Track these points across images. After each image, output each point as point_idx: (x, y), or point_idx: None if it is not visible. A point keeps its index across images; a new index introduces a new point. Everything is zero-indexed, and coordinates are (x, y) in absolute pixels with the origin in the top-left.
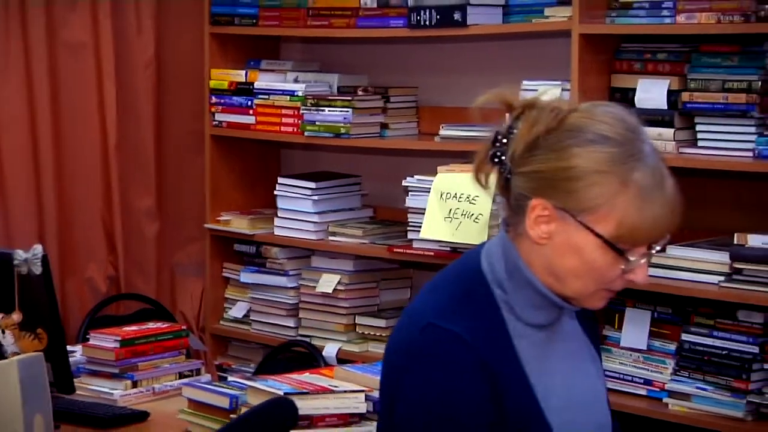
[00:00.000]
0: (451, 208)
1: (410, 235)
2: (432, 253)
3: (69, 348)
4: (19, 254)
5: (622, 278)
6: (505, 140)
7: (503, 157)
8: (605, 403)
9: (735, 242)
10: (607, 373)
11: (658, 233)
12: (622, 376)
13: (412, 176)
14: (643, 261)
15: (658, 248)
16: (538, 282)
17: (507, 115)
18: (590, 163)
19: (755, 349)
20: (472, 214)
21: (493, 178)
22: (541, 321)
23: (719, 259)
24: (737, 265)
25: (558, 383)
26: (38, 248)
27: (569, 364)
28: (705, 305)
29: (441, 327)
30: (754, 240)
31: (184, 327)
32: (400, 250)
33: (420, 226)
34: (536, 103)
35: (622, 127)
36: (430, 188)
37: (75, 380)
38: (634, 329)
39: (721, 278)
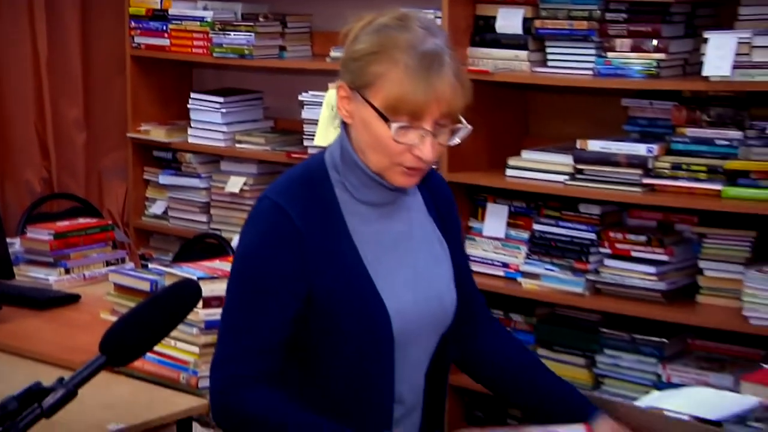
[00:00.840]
0: (340, 119)
1: (305, 143)
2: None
3: (9, 240)
4: None
5: (408, 153)
6: None
7: None
8: (449, 282)
9: (577, 147)
10: (472, 258)
11: (418, 108)
12: (484, 260)
13: (307, 92)
14: (427, 139)
15: (428, 128)
16: (360, 160)
17: None
18: (366, 46)
19: (593, 236)
20: None
21: None
22: (374, 199)
23: (564, 161)
24: (579, 166)
25: (393, 260)
26: None
27: (409, 244)
28: (553, 200)
29: (269, 198)
30: (593, 145)
31: (110, 222)
32: (297, 155)
33: (314, 135)
34: (363, 16)
35: (403, 19)
36: (322, 102)
37: (14, 268)
38: (494, 221)
39: (566, 177)
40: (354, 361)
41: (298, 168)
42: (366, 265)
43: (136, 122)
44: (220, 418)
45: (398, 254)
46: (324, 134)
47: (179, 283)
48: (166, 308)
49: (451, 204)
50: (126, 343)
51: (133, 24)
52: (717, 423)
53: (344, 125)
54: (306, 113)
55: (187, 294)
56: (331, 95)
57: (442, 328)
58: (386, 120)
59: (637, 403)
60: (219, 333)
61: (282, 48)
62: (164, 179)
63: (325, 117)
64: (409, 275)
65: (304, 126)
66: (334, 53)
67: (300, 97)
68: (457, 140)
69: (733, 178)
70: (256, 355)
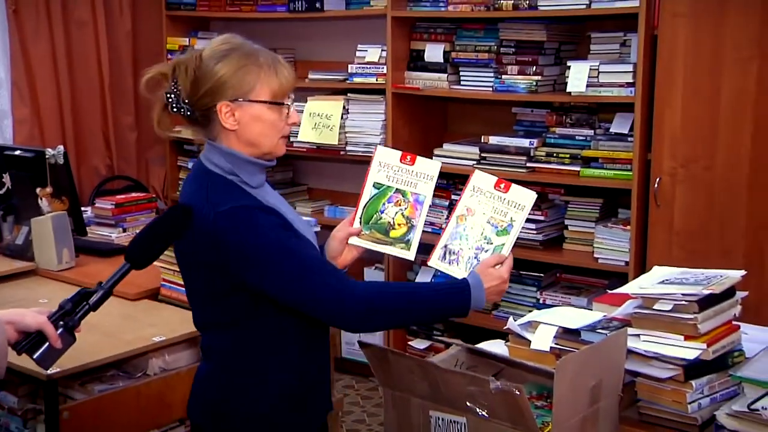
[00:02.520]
0: (316, 122)
1: (291, 139)
2: (305, 150)
3: (83, 208)
4: (49, 151)
5: (286, 124)
6: (172, 95)
7: (178, 104)
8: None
9: (482, 141)
10: None
11: (289, 87)
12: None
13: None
14: (292, 108)
15: (292, 98)
16: (245, 155)
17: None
18: (230, 67)
19: None
20: (328, 126)
21: (167, 122)
22: (261, 181)
23: (473, 151)
24: (483, 154)
25: (286, 213)
26: (60, 148)
27: (281, 202)
28: (464, 178)
29: (245, 207)
30: (493, 139)
31: (154, 195)
32: (287, 148)
33: (297, 134)
34: (177, 61)
35: (232, 40)
36: (303, 110)
37: (87, 228)
38: None
39: (474, 162)
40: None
41: (205, 187)
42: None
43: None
44: (375, 321)
45: (291, 213)
46: (305, 133)
47: (173, 207)
48: (165, 225)
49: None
50: (140, 252)
51: (169, 56)
52: (576, 331)
53: (210, 145)
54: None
55: (180, 213)
56: (310, 105)
57: None
58: (280, 104)
59: (522, 320)
60: (306, 287)
61: None
62: (191, 165)
63: (305, 121)
64: (301, 223)
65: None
66: (311, 76)
67: None
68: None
69: (587, 162)
70: (341, 272)
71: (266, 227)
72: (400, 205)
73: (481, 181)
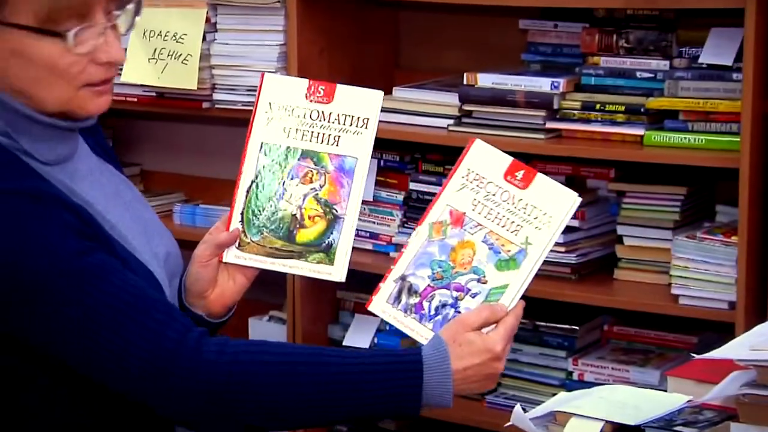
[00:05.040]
0: (156, 49)
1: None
2: (135, 99)
3: None
4: None
5: (93, 64)
6: None
7: None
8: (163, 227)
9: (464, 83)
10: None
11: (82, 1)
12: None
13: None
14: (109, 33)
15: (103, 21)
16: (25, 108)
17: None
18: None
19: None
20: (180, 55)
21: None
22: (60, 153)
23: (448, 100)
24: (466, 107)
25: (126, 218)
26: None
27: (117, 197)
28: (433, 151)
29: (5, 191)
30: (484, 79)
31: None
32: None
33: (121, 70)
34: None
35: None
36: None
37: None
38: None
39: (450, 121)
40: None
41: None
42: (109, 230)
43: None
44: (239, 410)
45: (119, 210)
46: (135, 68)
47: None
48: None
49: (100, 131)
50: None
51: None
52: (637, 428)
53: None
54: None
55: None
56: (143, 16)
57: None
58: (53, 34)
59: (539, 409)
60: (110, 339)
61: None
62: None
63: (135, 45)
64: (141, 229)
65: None
66: None
67: None
68: (138, 18)
69: (657, 120)
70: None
71: (47, 230)
72: (311, 181)
73: (481, 161)
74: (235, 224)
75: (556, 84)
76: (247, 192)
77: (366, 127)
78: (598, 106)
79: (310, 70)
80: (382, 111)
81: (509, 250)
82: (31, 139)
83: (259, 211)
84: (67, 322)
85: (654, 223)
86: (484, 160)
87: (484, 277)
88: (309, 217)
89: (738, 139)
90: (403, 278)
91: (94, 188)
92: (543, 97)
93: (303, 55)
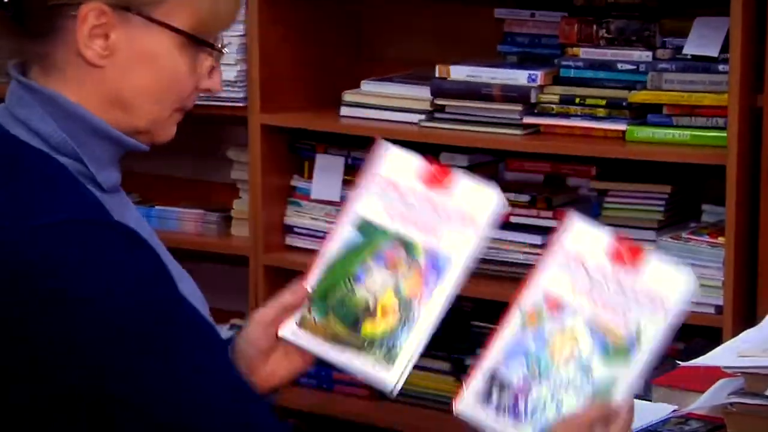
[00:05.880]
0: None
1: None
2: None
3: None
4: None
5: (196, 90)
6: None
7: None
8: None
9: (436, 75)
10: (297, 230)
11: (230, 20)
12: (314, 233)
13: None
14: (218, 64)
15: (223, 43)
16: (100, 121)
17: None
18: None
19: None
20: None
21: None
22: (114, 181)
23: (419, 94)
24: (439, 102)
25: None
26: None
27: (142, 224)
28: (404, 147)
29: (81, 220)
30: (457, 72)
31: None
32: None
33: None
34: None
35: None
36: None
37: None
38: (326, 178)
39: (422, 116)
40: None
41: (31, 175)
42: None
43: None
44: None
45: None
46: None
47: None
48: None
49: None
50: None
51: None
52: None
53: (30, 89)
54: None
55: None
56: None
57: None
58: (205, 45)
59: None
60: (198, 412)
61: None
62: None
63: None
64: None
65: None
66: None
67: None
68: None
69: (641, 114)
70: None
71: (138, 271)
72: (396, 270)
73: (580, 234)
74: (312, 283)
75: (533, 77)
76: (328, 264)
77: (473, 227)
78: (577, 100)
79: (269, 63)
80: (348, 106)
81: (618, 340)
82: (94, 158)
83: (332, 289)
84: (168, 372)
85: (637, 223)
86: (582, 234)
87: (590, 370)
88: (382, 309)
89: (725, 135)
90: (492, 373)
91: (140, 226)
92: (520, 91)
93: (265, 46)
